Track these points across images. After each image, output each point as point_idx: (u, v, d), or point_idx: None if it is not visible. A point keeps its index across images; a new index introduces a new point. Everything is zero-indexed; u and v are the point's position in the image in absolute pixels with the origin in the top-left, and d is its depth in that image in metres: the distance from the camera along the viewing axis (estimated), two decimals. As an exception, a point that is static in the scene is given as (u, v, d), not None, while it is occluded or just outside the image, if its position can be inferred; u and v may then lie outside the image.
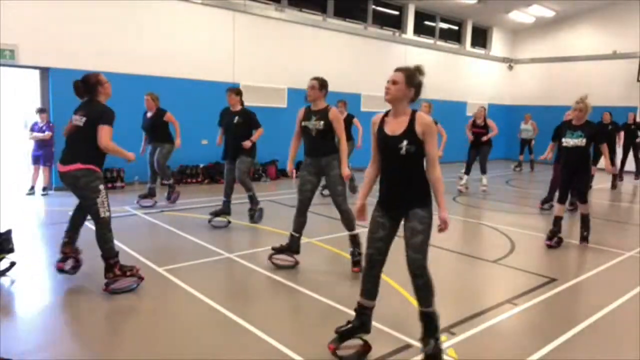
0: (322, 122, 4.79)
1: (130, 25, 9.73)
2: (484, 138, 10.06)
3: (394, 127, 3.08)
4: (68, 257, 4.60)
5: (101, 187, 4.19)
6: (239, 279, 4.93)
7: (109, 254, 4.26)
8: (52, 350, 3.32)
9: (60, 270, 4.56)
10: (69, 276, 4.62)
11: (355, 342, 3.31)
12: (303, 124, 4.92)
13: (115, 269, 4.25)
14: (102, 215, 4.20)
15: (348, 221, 4.89)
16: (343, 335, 3.26)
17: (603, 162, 11.36)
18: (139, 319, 3.91)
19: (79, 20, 9.06)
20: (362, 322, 3.30)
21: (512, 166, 15.52)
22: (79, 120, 4.22)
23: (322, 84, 4.94)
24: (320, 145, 4.84)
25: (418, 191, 3.10)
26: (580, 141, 5.90)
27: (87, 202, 4.20)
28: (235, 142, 6.58)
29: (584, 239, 6.30)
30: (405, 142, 2.99)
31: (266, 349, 3.35)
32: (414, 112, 3.06)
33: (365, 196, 3.37)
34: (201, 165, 10.73)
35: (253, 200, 6.88)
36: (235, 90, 6.79)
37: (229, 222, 6.75)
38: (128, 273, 4.32)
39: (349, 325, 3.30)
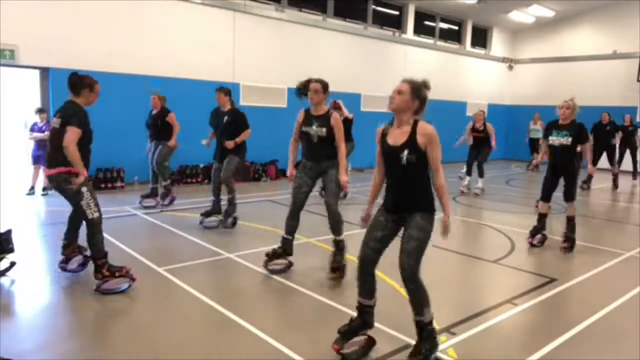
0: (324, 129, 4.67)
1: (131, 25, 9.73)
2: (488, 149, 10.05)
3: (397, 137, 3.11)
4: (70, 258, 4.65)
5: (83, 189, 4.14)
6: (239, 279, 4.93)
7: (98, 255, 4.25)
8: (51, 350, 3.32)
9: (64, 270, 4.62)
10: (69, 276, 4.62)
11: (358, 339, 3.33)
12: (303, 129, 4.78)
13: (104, 269, 4.23)
14: (90, 216, 4.19)
15: (335, 223, 4.78)
16: (346, 334, 3.27)
17: (604, 162, 11.38)
18: (138, 318, 3.91)
19: (79, 20, 9.06)
20: (364, 319, 3.31)
21: (514, 165, 15.52)
22: (56, 122, 4.19)
23: (325, 86, 4.81)
24: (322, 150, 4.73)
25: (420, 199, 3.12)
26: (566, 140, 5.86)
27: (72, 204, 4.22)
28: (220, 143, 6.55)
29: (566, 241, 6.03)
30: (405, 152, 3.03)
31: (266, 349, 3.35)
32: (416, 122, 3.09)
33: (373, 202, 3.41)
34: (201, 165, 10.73)
35: (231, 203, 6.61)
36: (224, 90, 6.71)
37: (221, 220, 6.69)
38: (117, 274, 4.28)
39: (352, 324, 3.30)
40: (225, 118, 6.56)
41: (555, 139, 5.96)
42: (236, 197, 6.67)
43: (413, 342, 3.32)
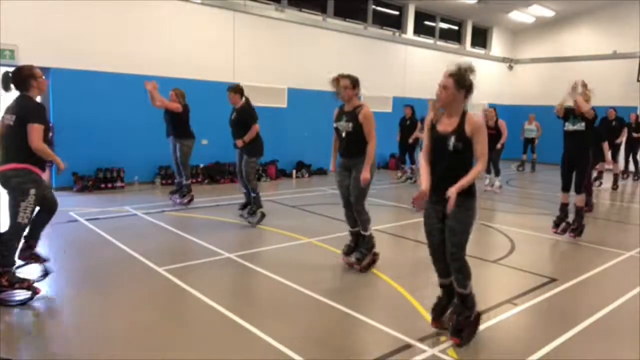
0: (350, 124, 4.69)
1: (131, 25, 9.73)
2: (498, 145, 10.08)
3: (446, 126, 3.32)
4: (28, 263, 4.44)
5: (32, 191, 3.93)
6: (239, 279, 4.93)
7: (5, 262, 3.96)
8: (52, 350, 3.32)
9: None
10: (69, 276, 4.62)
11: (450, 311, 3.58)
12: (335, 124, 4.87)
13: (3, 279, 3.94)
14: (20, 220, 3.93)
15: (362, 222, 4.89)
16: (439, 312, 3.60)
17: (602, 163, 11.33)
18: (138, 318, 3.91)
19: (79, 20, 9.06)
20: (448, 295, 3.60)
21: (514, 166, 15.52)
22: (9, 119, 3.98)
23: (354, 82, 4.78)
24: (351, 146, 4.75)
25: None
26: (580, 125, 6.11)
27: (11, 202, 3.94)
28: (235, 139, 6.64)
29: (574, 230, 6.35)
30: (453, 139, 3.23)
31: (266, 348, 3.35)
32: (464, 113, 3.29)
33: (427, 182, 3.46)
34: (201, 165, 10.73)
35: (255, 201, 6.78)
36: (233, 88, 6.72)
37: (245, 216, 6.84)
38: (17, 285, 3.99)
39: (440, 301, 3.62)
40: (233, 115, 6.65)
41: (570, 127, 6.22)
42: (260, 195, 6.81)
43: (413, 342, 3.33)
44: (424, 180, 3.48)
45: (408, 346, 3.39)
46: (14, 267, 4.14)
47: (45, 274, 4.47)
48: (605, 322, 3.98)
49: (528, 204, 9.40)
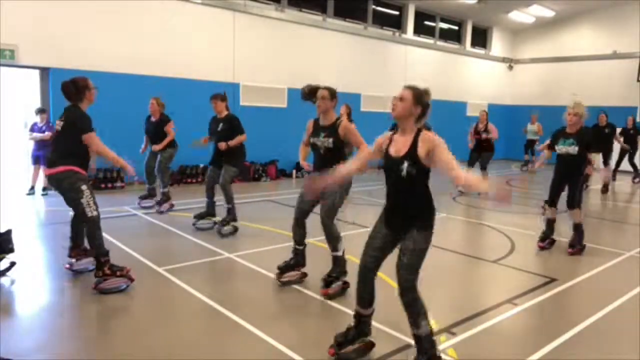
0: (330, 140, 4.34)
1: (131, 25, 9.73)
2: (483, 136, 10.03)
3: (399, 146, 3.03)
4: (78, 259, 4.73)
5: (84, 187, 4.20)
6: (239, 279, 4.93)
7: (99, 252, 4.28)
8: (51, 350, 3.32)
9: (71, 269, 4.72)
10: (69, 276, 4.63)
11: (355, 345, 3.30)
12: (311, 140, 4.50)
13: (105, 267, 4.26)
14: (90, 214, 4.22)
15: (331, 240, 4.41)
16: (342, 344, 3.24)
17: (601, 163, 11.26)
18: (138, 318, 3.91)
19: (78, 20, 9.06)
20: (361, 329, 3.29)
21: (514, 166, 15.50)
22: (59, 124, 4.35)
23: (332, 93, 4.45)
24: (329, 162, 4.23)
25: (418, 213, 3.05)
26: (573, 149, 5.68)
27: (73, 203, 4.25)
28: (220, 151, 6.34)
29: (572, 246, 5.93)
30: (406, 164, 2.95)
31: (266, 349, 3.35)
32: (418, 132, 3.00)
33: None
34: (201, 165, 10.72)
35: (230, 212, 6.36)
36: (219, 96, 6.50)
37: (215, 223, 6.53)
38: (118, 273, 4.31)
39: (348, 334, 3.26)
40: (221, 125, 6.38)
41: (562, 148, 5.78)
42: (235, 206, 6.40)
43: (413, 342, 3.31)
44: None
45: (408, 346, 3.39)
46: (68, 263, 4.68)
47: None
48: (605, 322, 3.98)
49: (528, 204, 9.40)
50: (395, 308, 4.06)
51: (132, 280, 4.37)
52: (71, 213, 4.60)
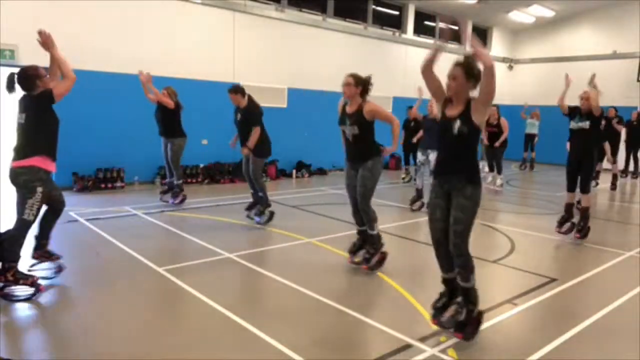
0: (356, 127, 4.57)
1: (131, 25, 9.73)
2: (497, 144, 10.08)
3: (452, 111, 3.41)
4: (42, 261, 4.56)
5: (39, 189, 4.06)
6: (239, 279, 4.93)
7: (11, 257, 4.05)
8: (51, 350, 3.32)
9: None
10: (69, 275, 4.62)
11: (451, 310, 3.57)
12: (341, 127, 4.78)
13: (9, 274, 4.03)
14: (25, 216, 4.06)
15: (368, 221, 4.84)
16: (440, 308, 3.58)
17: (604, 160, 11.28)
18: (138, 318, 3.91)
19: (78, 20, 9.06)
20: (451, 290, 3.61)
21: (514, 166, 15.50)
22: (20, 118, 4.18)
23: (358, 80, 4.64)
24: (359, 150, 4.70)
25: (468, 170, 3.38)
26: (584, 124, 6.19)
27: (19, 199, 4.09)
28: (242, 140, 6.63)
29: (580, 231, 6.34)
30: (458, 123, 3.31)
31: (266, 348, 3.35)
32: (469, 100, 3.37)
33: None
34: (201, 165, 10.73)
35: (262, 201, 6.77)
36: (233, 89, 6.63)
37: (251, 216, 6.86)
38: (21, 281, 4.06)
39: (443, 299, 3.61)
40: (239, 115, 6.60)
41: (574, 124, 6.33)
42: (267, 194, 6.82)
43: (413, 342, 3.33)
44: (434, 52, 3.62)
45: (408, 346, 3.39)
46: (30, 265, 4.45)
47: (59, 270, 4.56)
48: (605, 322, 3.98)
49: (528, 204, 9.40)
50: (395, 308, 4.08)
51: (39, 290, 4.10)
52: (72, 213, 4.58)
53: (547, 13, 16.31)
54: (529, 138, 14.65)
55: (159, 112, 7.68)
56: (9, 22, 8.25)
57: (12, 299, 4.02)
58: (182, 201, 7.92)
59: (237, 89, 6.67)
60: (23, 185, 4.07)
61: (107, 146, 9.53)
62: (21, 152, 4.12)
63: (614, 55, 16.09)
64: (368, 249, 4.91)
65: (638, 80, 15.40)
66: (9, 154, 4.21)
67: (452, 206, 3.39)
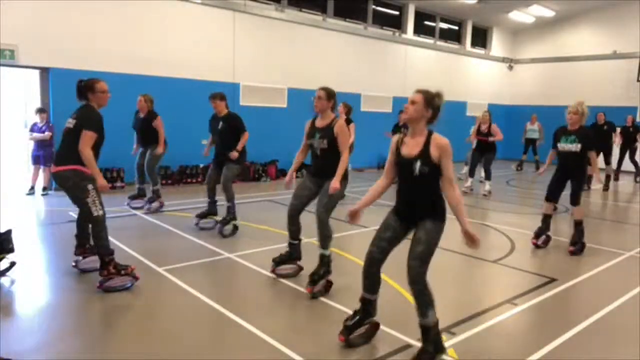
0: (325, 141, 4.37)
1: (130, 25, 9.73)
2: (490, 139, 9.90)
3: (411, 148, 3.16)
4: (85, 256, 4.78)
5: (90, 187, 4.22)
6: (239, 279, 4.93)
7: (104, 252, 4.30)
8: (52, 350, 3.32)
9: (76, 268, 4.76)
10: (69, 275, 4.63)
11: (363, 328, 3.45)
12: (308, 141, 4.56)
13: (110, 266, 4.29)
14: (95, 214, 4.25)
15: (323, 238, 4.45)
16: (351, 327, 3.39)
17: (601, 163, 11.29)
18: (138, 318, 3.91)
19: (78, 20, 9.06)
20: (367, 312, 3.43)
21: (513, 166, 15.51)
22: (70, 122, 4.34)
23: (329, 93, 4.45)
24: (326, 164, 4.42)
25: (431, 207, 3.18)
26: (575, 146, 5.74)
27: (78, 202, 4.27)
28: (222, 149, 6.32)
29: (574, 244, 5.93)
30: (419, 163, 3.07)
31: (266, 348, 3.35)
32: (430, 133, 3.14)
33: (366, 205, 3.37)
34: (201, 165, 10.72)
35: (230, 211, 6.35)
36: (218, 95, 6.48)
37: (216, 222, 6.52)
38: (122, 272, 4.34)
39: (356, 318, 3.41)
40: (221, 124, 6.36)
41: (564, 146, 5.84)
42: (235, 205, 6.39)
43: (413, 342, 3.32)
44: (365, 200, 3.34)
45: (408, 346, 3.39)
46: (74, 261, 4.72)
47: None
48: (605, 322, 3.98)
49: (528, 204, 9.40)
50: (395, 308, 4.08)
51: (136, 278, 4.39)
52: (72, 213, 4.61)
53: (547, 13, 16.31)
54: (530, 142, 14.65)
55: (139, 121, 7.55)
56: (9, 22, 8.25)
57: (116, 289, 4.27)
58: (157, 209, 7.60)
59: (222, 96, 6.47)
60: (73, 187, 4.23)
61: (107, 146, 9.46)
62: (65, 156, 4.29)
63: (614, 55, 16.10)
64: (317, 270, 4.42)
65: (638, 80, 15.40)
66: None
67: (416, 230, 3.18)
